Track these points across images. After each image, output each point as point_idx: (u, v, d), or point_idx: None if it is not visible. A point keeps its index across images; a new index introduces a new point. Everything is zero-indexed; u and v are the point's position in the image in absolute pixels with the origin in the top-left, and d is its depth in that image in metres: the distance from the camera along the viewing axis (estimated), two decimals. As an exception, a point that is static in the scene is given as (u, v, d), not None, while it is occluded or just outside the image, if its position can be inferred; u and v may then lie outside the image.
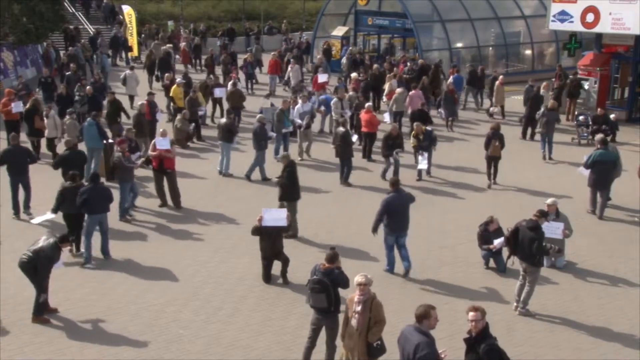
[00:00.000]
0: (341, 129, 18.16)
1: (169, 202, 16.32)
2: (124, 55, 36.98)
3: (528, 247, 11.26)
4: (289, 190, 14.46)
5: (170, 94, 23.29)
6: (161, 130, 16.78)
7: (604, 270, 13.18)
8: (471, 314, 7.89)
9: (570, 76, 25.35)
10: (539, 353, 10.43)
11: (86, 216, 13.21)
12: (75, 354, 10.30)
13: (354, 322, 8.94)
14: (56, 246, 10.95)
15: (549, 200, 12.89)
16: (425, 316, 7.72)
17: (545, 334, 11.02)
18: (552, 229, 11.92)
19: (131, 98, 26.00)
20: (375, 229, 12.63)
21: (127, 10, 37.75)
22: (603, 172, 15.63)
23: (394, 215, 12.36)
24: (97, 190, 13.15)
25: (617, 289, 12.57)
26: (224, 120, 19.49)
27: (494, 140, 17.47)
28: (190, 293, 12.20)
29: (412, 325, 7.85)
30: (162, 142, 16.05)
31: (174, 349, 10.42)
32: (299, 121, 20.21)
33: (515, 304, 11.70)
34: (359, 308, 8.86)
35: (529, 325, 11.23)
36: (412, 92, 22.93)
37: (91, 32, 39.28)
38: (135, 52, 36.83)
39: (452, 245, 14.30)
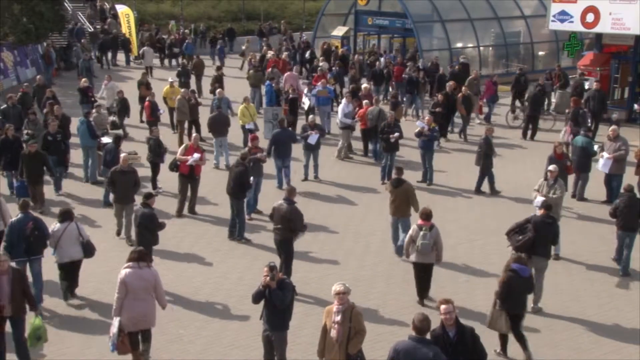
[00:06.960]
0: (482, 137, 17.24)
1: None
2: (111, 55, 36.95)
3: (546, 240, 11.59)
4: None
5: (162, 95, 23.09)
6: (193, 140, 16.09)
7: (604, 270, 13.18)
8: (443, 307, 7.89)
9: (576, 76, 25.19)
10: (539, 353, 10.42)
11: None
12: (76, 354, 10.32)
13: (333, 333, 8.50)
14: (145, 205, 12.25)
15: (552, 167, 13.75)
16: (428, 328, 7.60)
17: (545, 333, 11.03)
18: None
19: (149, 69, 31.71)
20: (268, 154, 16.78)
21: (123, 10, 37.41)
22: (580, 157, 16.66)
23: (280, 145, 17.08)
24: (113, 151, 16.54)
25: (617, 289, 12.59)
26: (215, 113, 19.54)
27: (399, 107, 22.11)
28: (190, 293, 12.21)
29: (411, 338, 7.57)
30: (195, 157, 15.53)
31: (174, 349, 10.43)
32: (348, 120, 20.07)
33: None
34: (338, 318, 8.45)
35: (529, 325, 11.21)
36: (287, 74, 25.17)
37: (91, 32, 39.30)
38: (135, 52, 36.78)
39: (452, 245, 14.27)
